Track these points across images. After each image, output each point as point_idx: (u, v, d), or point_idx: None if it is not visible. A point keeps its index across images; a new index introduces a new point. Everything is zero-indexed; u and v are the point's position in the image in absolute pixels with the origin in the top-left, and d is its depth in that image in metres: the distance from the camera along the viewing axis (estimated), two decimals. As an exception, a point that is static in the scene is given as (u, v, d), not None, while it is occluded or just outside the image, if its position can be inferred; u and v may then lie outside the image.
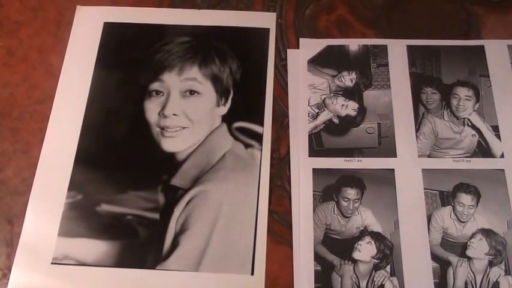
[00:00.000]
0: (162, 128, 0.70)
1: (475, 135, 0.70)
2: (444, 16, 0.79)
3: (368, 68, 0.75)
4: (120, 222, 0.66)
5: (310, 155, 0.69)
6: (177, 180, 0.67)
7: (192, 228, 0.65)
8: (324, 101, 0.73)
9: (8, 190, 0.68)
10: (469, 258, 0.64)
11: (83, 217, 0.66)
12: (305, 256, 0.64)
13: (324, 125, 0.71)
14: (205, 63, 0.73)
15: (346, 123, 0.71)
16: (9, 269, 0.64)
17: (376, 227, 0.65)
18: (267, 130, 0.71)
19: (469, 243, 0.64)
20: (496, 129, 0.70)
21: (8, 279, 0.63)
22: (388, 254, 0.64)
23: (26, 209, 0.67)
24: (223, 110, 0.72)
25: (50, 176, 0.68)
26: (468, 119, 0.71)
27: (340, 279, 0.63)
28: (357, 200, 0.67)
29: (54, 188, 0.68)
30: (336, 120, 0.72)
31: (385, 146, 0.70)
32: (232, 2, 0.80)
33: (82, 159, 0.69)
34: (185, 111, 0.71)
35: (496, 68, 0.74)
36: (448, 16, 0.79)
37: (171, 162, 0.69)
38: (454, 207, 0.66)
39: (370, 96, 0.73)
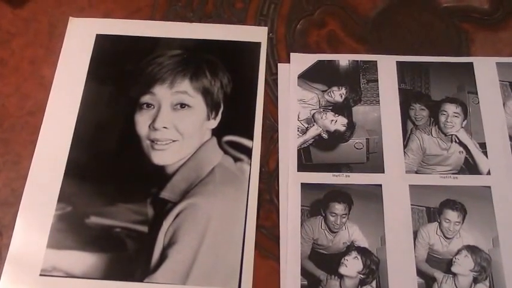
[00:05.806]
0: (152, 141, 0.71)
1: (462, 152, 0.71)
2: (434, 33, 0.80)
3: (358, 83, 0.75)
4: (109, 234, 0.66)
5: (298, 170, 0.70)
6: (166, 193, 0.68)
7: (180, 241, 0.65)
8: (313, 116, 0.73)
9: (-3, 201, 0.69)
10: (454, 275, 0.64)
11: (72, 229, 0.66)
12: (292, 271, 0.64)
13: (313, 139, 0.72)
14: (197, 77, 0.74)
15: (335, 139, 0.72)
16: (-2, 280, 0.64)
17: (362, 242, 0.66)
18: (256, 144, 0.71)
19: (454, 259, 0.65)
20: (483, 146, 0.71)
21: (-4, 290, 0.64)
22: (374, 269, 0.64)
23: (15, 220, 0.67)
24: (214, 123, 0.72)
25: (40, 188, 0.69)
26: (456, 136, 0.72)
27: (326, 294, 0.64)
28: (344, 215, 0.67)
29: (44, 199, 0.68)
30: (325, 135, 0.72)
31: (373, 162, 0.70)
32: (224, 15, 0.81)
33: (72, 171, 0.70)
34: (175, 124, 0.71)
35: (484, 85, 0.75)
36: (438, 33, 0.80)
37: (161, 175, 0.69)
38: (440, 224, 0.67)
39: (359, 111, 0.73)
